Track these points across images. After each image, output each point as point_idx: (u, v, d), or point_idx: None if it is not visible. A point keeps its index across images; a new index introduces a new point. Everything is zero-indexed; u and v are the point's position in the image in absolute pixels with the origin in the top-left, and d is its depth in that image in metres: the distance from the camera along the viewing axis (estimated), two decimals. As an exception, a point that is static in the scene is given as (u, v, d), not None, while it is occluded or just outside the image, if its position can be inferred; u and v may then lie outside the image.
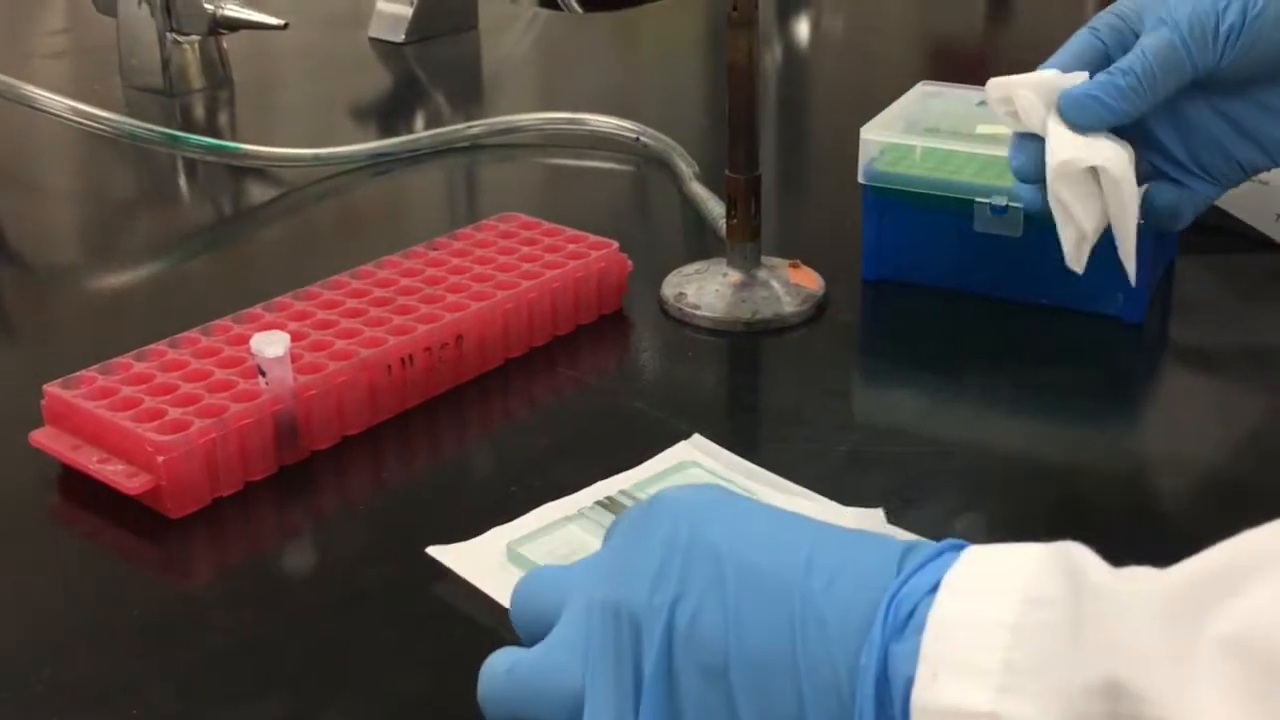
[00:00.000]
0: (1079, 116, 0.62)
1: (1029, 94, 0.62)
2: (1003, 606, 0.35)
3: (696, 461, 0.59)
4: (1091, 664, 0.33)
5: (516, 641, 0.49)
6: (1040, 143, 0.63)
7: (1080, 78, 0.62)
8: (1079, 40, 0.65)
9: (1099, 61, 0.64)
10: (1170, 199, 0.64)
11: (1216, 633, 0.31)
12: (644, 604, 0.39)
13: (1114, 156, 0.61)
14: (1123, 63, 0.62)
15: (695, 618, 0.38)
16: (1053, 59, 0.65)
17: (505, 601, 0.50)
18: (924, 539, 0.40)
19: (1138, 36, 0.63)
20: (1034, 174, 0.63)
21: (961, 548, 0.38)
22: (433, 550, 0.54)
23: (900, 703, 0.35)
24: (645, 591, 0.39)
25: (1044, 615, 0.35)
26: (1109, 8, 0.66)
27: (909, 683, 0.35)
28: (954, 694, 0.34)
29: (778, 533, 0.40)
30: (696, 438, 0.61)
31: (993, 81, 0.64)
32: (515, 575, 0.52)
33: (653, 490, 0.57)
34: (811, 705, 0.37)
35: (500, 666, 0.43)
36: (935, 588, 0.36)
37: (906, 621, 0.36)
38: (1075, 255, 0.63)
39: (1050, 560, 0.36)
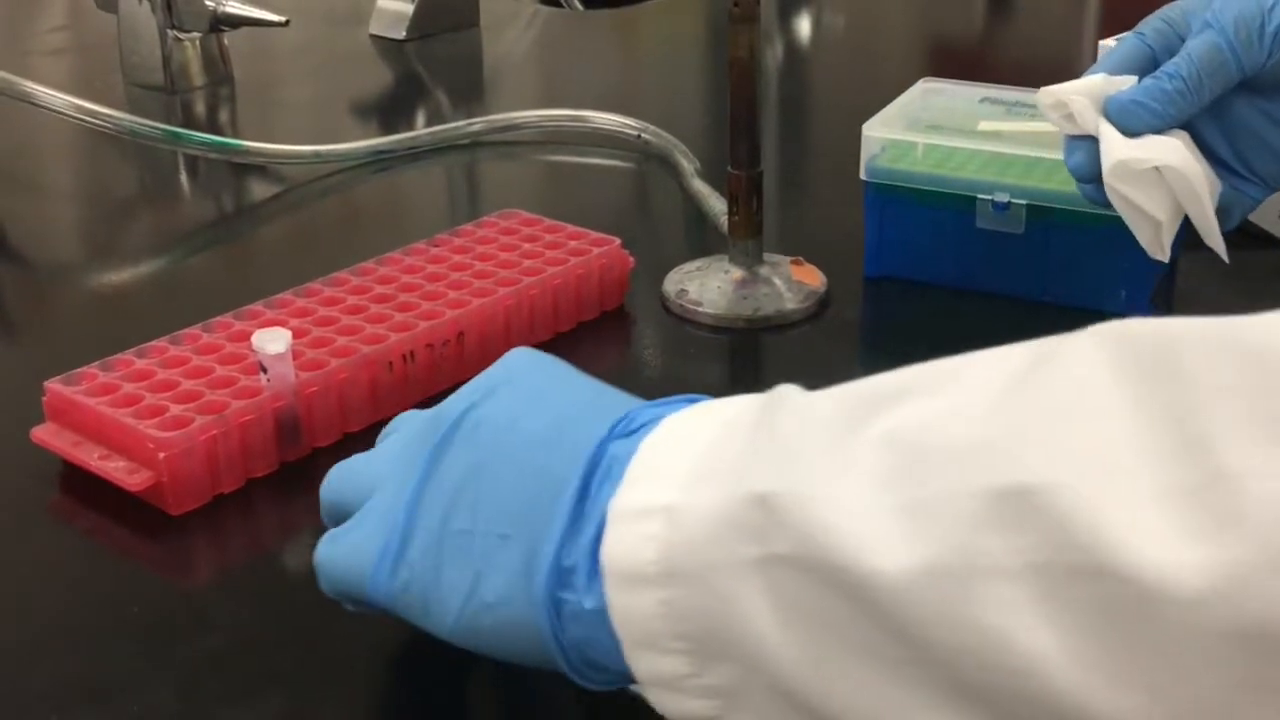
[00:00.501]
0: (1126, 122, 0.62)
1: (1082, 99, 0.62)
2: (702, 426, 0.40)
3: None
4: (762, 462, 0.36)
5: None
6: (1095, 142, 0.63)
7: (1128, 82, 0.62)
8: (1126, 45, 0.65)
9: (1146, 66, 0.64)
10: (1219, 200, 0.64)
11: (874, 431, 0.35)
12: (452, 406, 0.44)
13: (1170, 150, 0.61)
14: (1168, 66, 0.62)
15: (482, 418, 0.43)
16: (1099, 64, 0.65)
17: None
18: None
19: (1184, 41, 0.63)
20: (1091, 172, 0.63)
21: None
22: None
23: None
24: (460, 398, 0.45)
25: (734, 430, 0.38)
26: (1156, 13, 0.66)
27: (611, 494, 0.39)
28: (640, 495, 0.38)
29: (588, 384, 0.46)
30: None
31: (1044, 90, 0.64)
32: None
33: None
34: (542, 493, 0.41)
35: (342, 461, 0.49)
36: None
37: (631, 436, 0.41)
38: (1155, 246, 0.63)
39: (760, 396, 0.40)
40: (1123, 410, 0.31)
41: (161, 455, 0.56)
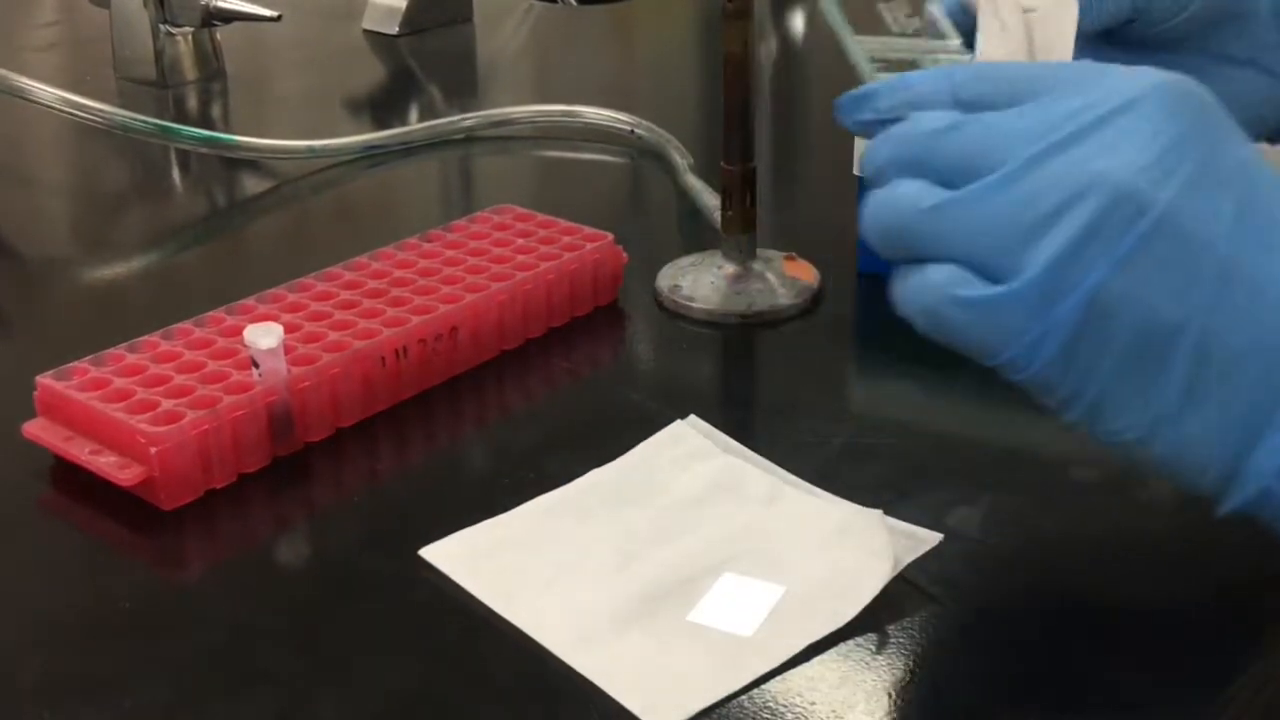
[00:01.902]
0: None
1: None
2: None
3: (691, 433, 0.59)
4: None
5: (508, 635, 0.49)
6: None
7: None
8: None
9: None
10: None
11: None
12: (1140, 181, 0.38)
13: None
14: None
15: (1190, 230, 0.37)
16: None
17: (490, 602, 0.51)
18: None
19: None
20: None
21: None
22: (425, 552, 0.53)
23: None
24: (1146, 169, 0.38)
25: None
26: None
27: None
28: None
29: None
30: (692, 418, 0.61)
31: None
32: (503, 575, 0.52)
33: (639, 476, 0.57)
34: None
35: (919, 197, 0.42)
36: None
37: None
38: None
39: None
40: None
41: (153, 450, 0.56)
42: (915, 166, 0.43)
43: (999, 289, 0.40)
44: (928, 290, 0.42)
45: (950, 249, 0.41)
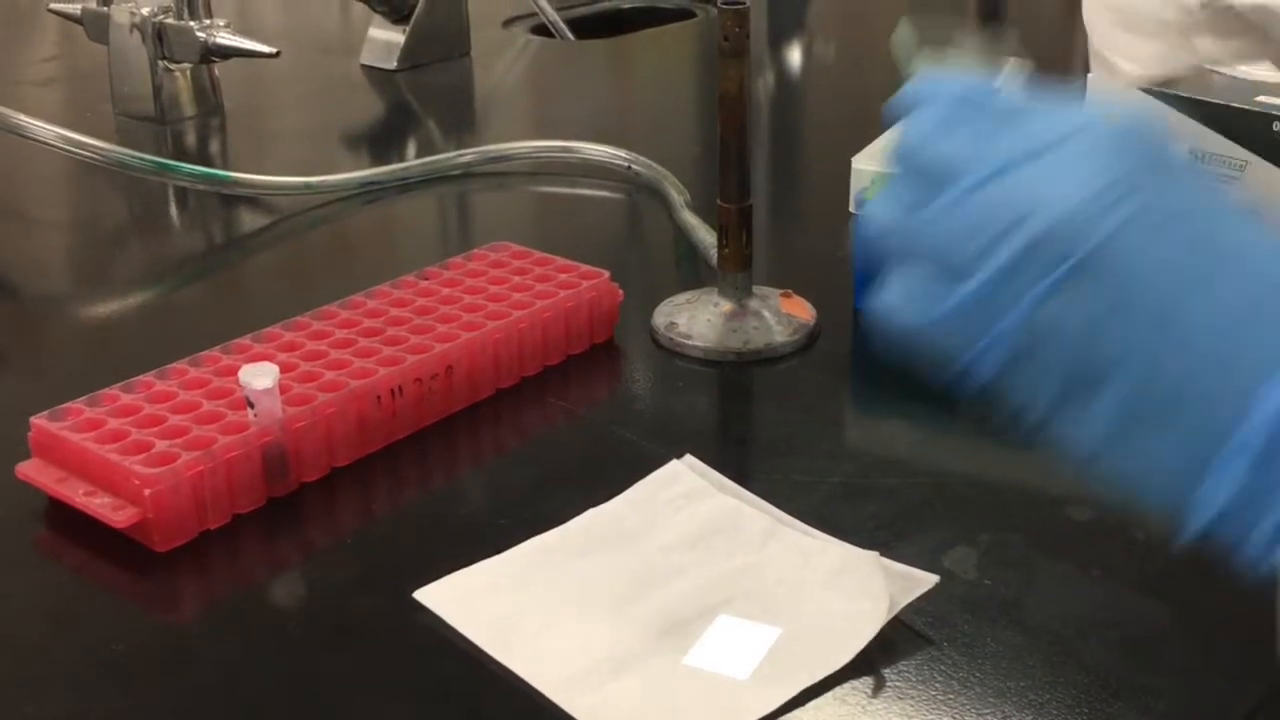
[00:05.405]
0: None
1: None
2: None
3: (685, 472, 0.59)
4: None
5: (503, 677, 0.49)
6: None
7: None
8: None
9: None
10: None
11: None
12: (1086, 214, 0.39)
13: None
14: None
15: (1132, 267, 0.38)
16: None
17: (484, 645, 0.50)
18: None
19: None
20: None
21: None
22: (419, 595, 0.53)
23: None
24: (1092, 199, 0.39)
25: None
26: None
27: None
28: None
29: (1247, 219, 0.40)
30: (688, 457, 0.61)
31: None
32: (497, 618, 0.51)
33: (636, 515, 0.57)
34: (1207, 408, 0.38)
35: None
36: None
37: None
38: None
39: None
40: None
41: (147, 492, 0.55)
42: (910, 171, 0.44)
43: (954, 296, 0.41)
44: (898, 295, 0.43)
45: (927, 254, 0.43)
